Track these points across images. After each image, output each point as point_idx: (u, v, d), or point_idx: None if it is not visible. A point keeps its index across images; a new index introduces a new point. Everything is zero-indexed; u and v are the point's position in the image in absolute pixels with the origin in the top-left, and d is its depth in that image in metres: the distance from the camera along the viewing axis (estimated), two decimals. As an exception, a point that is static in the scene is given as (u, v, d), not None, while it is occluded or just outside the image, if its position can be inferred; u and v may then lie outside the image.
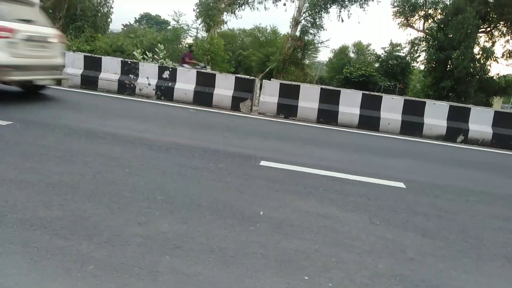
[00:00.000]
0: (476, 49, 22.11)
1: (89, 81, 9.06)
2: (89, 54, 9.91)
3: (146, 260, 2.17)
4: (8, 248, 2.15)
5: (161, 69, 9.02)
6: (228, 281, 2.08)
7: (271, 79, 9.51)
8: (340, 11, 24.88)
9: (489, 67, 22.59)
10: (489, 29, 23.73)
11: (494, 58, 22.70)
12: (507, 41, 23.51)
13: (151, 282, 1.99)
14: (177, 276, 2.06)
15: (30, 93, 7.31)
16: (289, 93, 8.50)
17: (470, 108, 8.33)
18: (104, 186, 3.17)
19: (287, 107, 8.48)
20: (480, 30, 22.48)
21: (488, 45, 23.33)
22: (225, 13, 26.63)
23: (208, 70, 11.41)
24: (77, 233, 2.38)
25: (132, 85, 8.98)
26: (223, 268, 2.19)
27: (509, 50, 23.59)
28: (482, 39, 23.61)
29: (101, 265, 2.08)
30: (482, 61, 22.16)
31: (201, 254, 2.32)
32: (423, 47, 25.21)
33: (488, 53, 22.24)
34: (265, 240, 2.58)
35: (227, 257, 2.32)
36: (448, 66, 21.95)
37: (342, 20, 25.16)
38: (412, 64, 30.07)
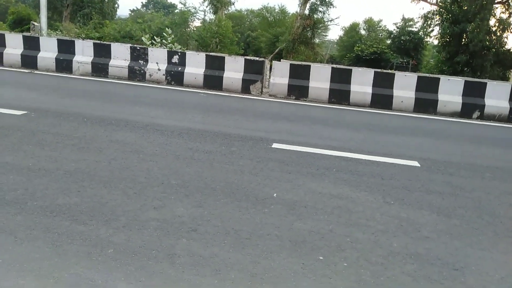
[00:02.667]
0: (492, 21, 21.35)
1: (99, 69, 9.10)
2: (99, 41, 9.92)
3: (163, 243, 2.22)
4: (30, 234, 2.22)
5: (170, 54, 8.99)
6: (243, 262, 2.11)
7: (281, 59, 9.40)
8: (350, -13, 24.23)
9: (506, 40, 21.84)
10: (506, -1, 22.84)
11: (511, 30, 21.91)
12: (525, 11, 22.63)
13: (169, 265, 2.04)
14: (194, 258, 2.11)
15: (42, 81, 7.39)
16: (299, 74, 8.40)
17: (486, 82, 8.12)
18: (119, 172, 3.23)
19: (298, 88, 8.40)
20: (496, 1, 21.65)
21: (504, 16, 22.47)
22: (232, -7, 26.21)
23: None
24: (96, 218, 2.44)
25: (142, 71, 8.99)
26: (239, 250, 2.23)
27: (527, 21, 22.72)
28: (498, 10, 22.72)
29: (120, 248, 2.14)
30: (498, 34, 21.42)
31: (217, 236, 2.36)
32: (436, 21, 24.44)
33: (504, 25, 21.45)
34: (279, 222, 2.61)
35: (242, 239, 2.35)
36: (463, 40, 21.29)
37: (352, -4, 24.53)
38: (425, 39, 29.26)
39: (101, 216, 2.48)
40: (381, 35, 38.12)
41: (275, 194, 3.04)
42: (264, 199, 2.94)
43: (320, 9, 24.83)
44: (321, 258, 2.23)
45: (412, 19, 33.04)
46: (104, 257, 2.05)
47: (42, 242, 2.15)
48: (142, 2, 59.87)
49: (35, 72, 8.98)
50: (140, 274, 1.94)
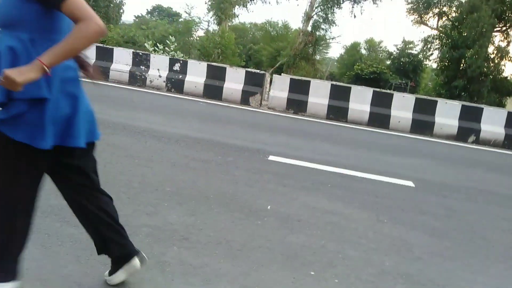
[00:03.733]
0: (491, 49, 21.70)
1: (100, 72, 9.11)
2: (101, 45, 9.97)
3: (154, 250, 2.20)
4: (20, 234, 2.19)
5: (172, 61, 9.04)
6: (234, 274, 2.09)
7: (282, 74, 9.47)
8: (353, 7, 24.61)
9: (503, 67, 22.16)
10: (504, 28, 23.26)
11: (509, 58, 22.25)
12: (523, 40, 23.03)
13: (159, 272, 2.01)
14: (184, 267, 2.09)
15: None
16: (299, 89, 8.47)
17: (483, 108, 8.21)
18: (113, 176, 3.21)
19: (297, 102, 8.45)
20: (495, 29, 22.06)
21: (503, 44, 22.87)
22: (236, 6, 26.53)
23: None
24: (87, 221, 2.41)
25: (143, 77, 9.02)
26: (230, 261, 2.21)
27: (525, 50, 23.10)
28: (497, 38, 23.15)
29: (110, 253, 2.11)
30: (496, 61, 21.75)
31: (208, 246, 2.34)
32: (436, 45, 24.84)
33: (503, 53, 21.81)
34: (271, 234, 2.59)
35: (234, 250, 2.34)
36: (462, 65, 21.59)
37: (355, 16, 24.94)
38: (425, 62, 29.68)
39: (93, 219, 2.45)
40: (381, 56, 38.62)
41: (269, 207, 3.03)
42: (257, 211, 2.92)
43: (323, 26, 25.15)
44: (312, 273, 2.21)
45: (412, 42, 33.54)
46: (93, 261, 2.03)
47: (31, 243, 2.11)
48: (147, 9, 60.52)
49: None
50: (128, 280, 1.91)
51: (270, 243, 2.48)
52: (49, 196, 2.68)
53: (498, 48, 22.13)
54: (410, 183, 4.19)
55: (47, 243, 2.13)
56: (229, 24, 28.40)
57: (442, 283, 2.31)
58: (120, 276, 1.82)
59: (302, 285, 2.08)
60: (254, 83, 8.68)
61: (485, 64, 20.91)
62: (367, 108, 8.29)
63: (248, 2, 26.51)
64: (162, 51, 11.53)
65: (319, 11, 24.58)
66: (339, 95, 8.36)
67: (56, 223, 2.35)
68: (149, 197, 2.90)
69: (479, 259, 2.69)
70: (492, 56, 21.85)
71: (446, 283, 2.31)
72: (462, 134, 8.05)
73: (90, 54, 9.14)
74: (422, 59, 28.35)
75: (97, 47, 9.36)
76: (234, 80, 8.70)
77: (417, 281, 2.28)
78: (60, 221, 2.37)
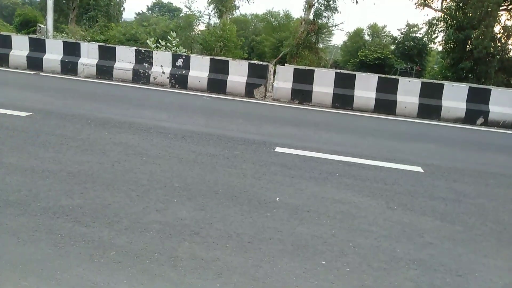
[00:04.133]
0: (497, 28, 21.32)
1: (104, 71, 9.15)
2: (104, 44, 9.98)
3: (166, 246, 2.22)
4: (33, 235, 2.22)
5: (175, 57, 9.03)
6: (246, 266, 2.11)
7: (285, 64, 9.41)
8: (354, -8, 24.30)
9: (510, 47, 21.80)
10: (510, 6, 22.81)
11: (516, 37, 21.85)
12: (530, 18, 22.59)
13: (171, 267, 2.03)
14: (196, 261, 2.11)
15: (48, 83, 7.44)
16: (303, 78, 8.41)
17: (491, 89, 8.09)
18: (122, 174, 3.24)
19: (302, 92, 8.40)
20: (501, 8, 21.63)
21: (509, 23, 22.45)
22: (237, -2, 26.35)
23: None
24: (98, 220, 2.44)
25: (146, 74, 9.03)
26: (241, 253, 2.23)
27: (532, 28, 22.65)
28: (503, 17, 22.72)
29: (122, 251, 2.14)
30: (503, 40, 21.38)
31: (219, 239, 2.35)
32: (441, 27, 24.45)
33: (509, 32, 21.41)
34: (281, 226, 2.60)
35: (244, 242, 2.35)
36: (468, 46, 21.27)
37: (357, 2, 24.61)
38: (430, 46, 29.25)
39: (104, 218, 2.48)
40: (385, 41, 38.16)
41: (277, 198, 3.04)
42: (266, 203, 2.93)
43: (325, 14, 24.92)
44: (324, 262, 2.22)
45: (416, 25, 33.07)
46: (106, 259, 2.05)
47: (44, 244, 2.16)
48: (147, 6, 60.31)
49: (41, 74, 9.04)
50: (142, 276, 1.94)
51: (280, 234, 2.49)
52: (60, 197, 2.72)
53: (505, 27, 21.72)
54: (419, 169, 4.17)
55: (60, 243, 2.16)
56: (230, 16, 28.25)
57: (454, 267, 2.30)
58: None
59: (314, 275, 2.09)
60: (257, 75, 8.63)
61: (492, 44, 20.56)
62: (372, 94, 8.21)
63: (248, -7, 26.30)
64: (164, 47, 11.51)
65: (320, -1, 24.32)
66: (344, 83, 8.28)
67: (68, 223, 2.38)
68: (158, 193, 2.92)
69: (491, 242, 2.68)
70: (498, 35, 21.46)
71: (458, 267, 2.30)
72: (470, 117, 7.95)
73: (93, 54, 9.17)
74: (427, 42, 27.96)
75: (99, 46, 9.37)
76: (238, 73, 8.66)
77: (429, 267, 2.28)
78: (72, 221, 2.40)
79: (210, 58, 8.99)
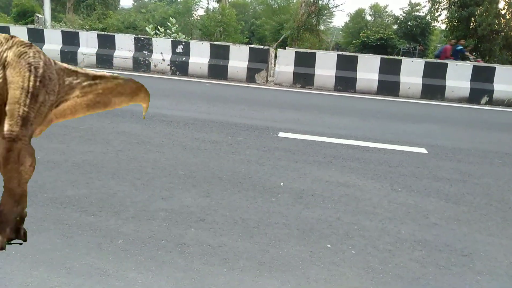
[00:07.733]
0: (501, 4, 20.88)
1: (104, 60, 9.10)
2: (103, 32, 9.90)
3: (172, 233, 2.24)
4: (41, 225, 2.25)
5: (175, 44, 8.95)
6: (252, 251, 2.13)
7: (286, 47, 9.31)
8: (355, -28, 23.77)
9: (515, 23, 21.38)
10: (515, -19, 22.28)
11: (521, 13, 21.42)
12: (536, -7, 22.08)
13: (178, 254, 2.06)
14: (203, 248, 2.13)
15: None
16: (305, 62, 8.34)
17: (495, 67, 7.99)
18: (126, 163, 3.25)
19: (304, 76, 8.34)
20: (505, -17, 21.14)
21: (514, -2, 21.97)
22: (235, -19, 25.89)
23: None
24: (105, 209, 2.47)
25: (146, 62, 8.97)
26: (247, 239, 2.24)
27: (538, 3, 22.18)
28: (508, -8, 22.23)
29: (130, 239, 2.16)
30: (507, 17, 20.96)
31: (225, 225, 2.37)
32: (444, 5, 23.94)
33: (514, 8, 20.98)
34: (286, 210, 2.61)
35: (250, 228, 2.37)
36: (471, 24, 20.88)
37: (358, -19, 24.10)
38: (433, 24, 28.75)
39: (110, 207, 2.50)
40: (387, 21, 37.52)
41: (282, 183, 3.05)
42: (271, 188, 2.94)
43: (325, -6, 24.45)
44: (329, 246, 2.24)
45: (419, 4, 32.42)
46: (114, 247, 2.08)
47: (53, 234, 2.18)
48: (145, -8, 59.35)
49: (41, 64, 9.00)
50: (150, 263, 1.96)
51: (285, 219, 2.51)
52: (66, 187, 2.74)
53: (509, 3, 21.24)
54: (423, 150, 4.15)
55: (68, 233, 2.19)
56: (229, 0, 27.82)
57: (459, 247, 2.31)
58: None
59: (320, 258, 2.11)
60: (258, 60, 8.56)
61: (496, 21, 20.18)
62: (375, 76, 8.13)
63: (247, -24, 25.82)
64: (163, 34, 11.38)
65: (320, -21, 23.84)
66: (346, 65, 8.20)
67: (75, 213, 2.40)
68: (163, 181, 2.94)
69: (496, 221, 2.68)
70: (503, 12, 21.03)
71: (464, 247, 2.31)
72: (475, 96, 7.87)
73: (92, 43, 9.10)
74: (430, 21, 27.46)
75: (98, 35, 9.30)
76: (238, 58, 8.59)
77: (434, 247, 2.29)
78: (79, 211, 2.43)
79: (210, 44, 8.91)
